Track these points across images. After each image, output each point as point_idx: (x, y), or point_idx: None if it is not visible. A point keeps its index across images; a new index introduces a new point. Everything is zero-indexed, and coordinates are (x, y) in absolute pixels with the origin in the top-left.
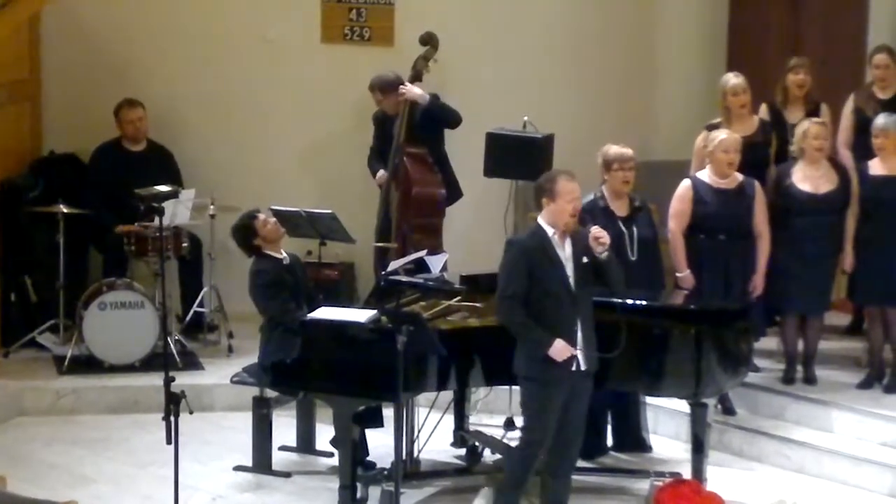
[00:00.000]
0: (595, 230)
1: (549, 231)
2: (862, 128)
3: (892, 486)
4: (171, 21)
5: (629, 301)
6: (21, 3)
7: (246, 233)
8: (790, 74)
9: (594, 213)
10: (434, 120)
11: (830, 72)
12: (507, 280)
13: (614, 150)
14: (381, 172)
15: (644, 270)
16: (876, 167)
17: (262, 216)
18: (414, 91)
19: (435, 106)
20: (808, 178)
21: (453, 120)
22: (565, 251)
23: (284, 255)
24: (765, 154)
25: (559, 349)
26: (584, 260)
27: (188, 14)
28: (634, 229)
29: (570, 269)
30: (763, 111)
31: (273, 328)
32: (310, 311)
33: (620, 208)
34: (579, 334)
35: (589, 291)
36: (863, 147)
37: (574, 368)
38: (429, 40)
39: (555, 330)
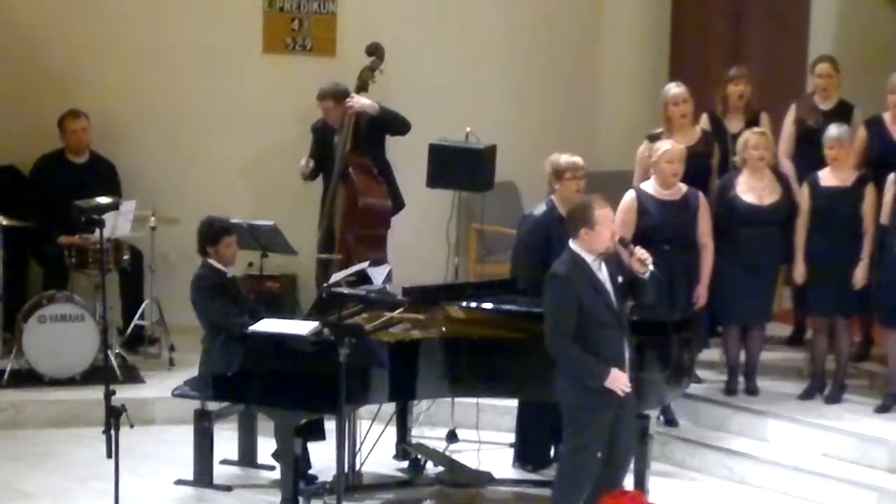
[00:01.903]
0: (639, 252)
1: (589, 258)
2: (804, 138)
3: (832, 498)
4: (112, 30)
5: None
6: None
7: (210, 237)
8: (730, 85)
9: (550, 223)
10: (382, 129)
11: (771, 81)
12: (558, 314)
13: (565, 159)
14: (304, 160)
15: None
16: (827, 178)
17: (232, 238)
18: (363, 101)
19: (386, 113)
20: (751, 189)
21: (403, 126)
22: (603, 274)
23: (228, 271)
24: (707, 164)
25: (616, 378)
26: (620, 279)
27: (130, 23)
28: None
29: (611, 293)
30: (703, 121)
31: (214, 338)
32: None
33: None
34: (626, 356)
35: (625, 313)
36: (805, 157)
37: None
38: (375, 51)
39: (607, 356)
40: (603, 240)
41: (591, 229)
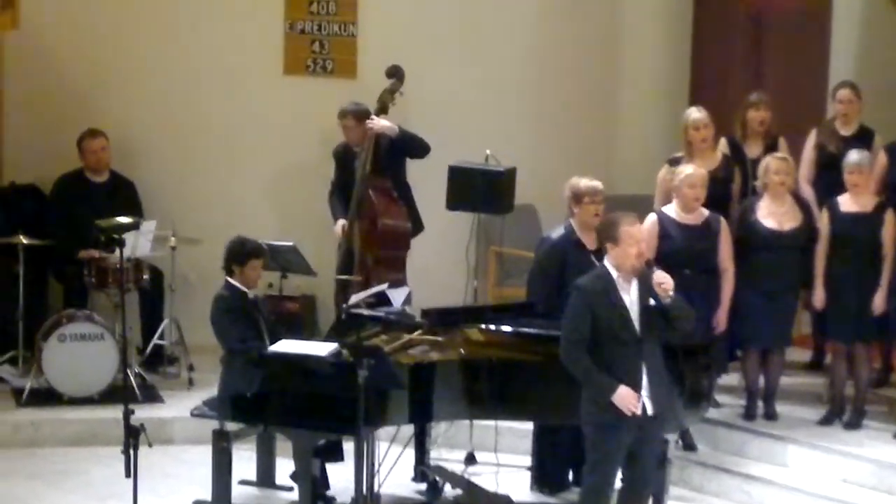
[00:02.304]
0: (658, 275)
1: (614, 274)
2: (824, 163)
3: None
4: (134, 52)
5: None
6: None
7: (239, 256)
8: (751, 110)
9: (566, 247)
10: (402, 151)
11: (792, 107)
12: (571, 324)
13: (585, 183)
14: (340, 223)
15: None
16: (847, 204)
17: (260, 262)
18: (382, 123)
19: (406, 135)
20: (772, 215)
21: (423, 149)
22: (630, 295)
23: (251, 293)
24: (728, 189)
25: (623, 395)
26: (652, 303)
27: (152, 44)
28: (583, 279)
29: (635, 313)
30: (723, 145)
31: (233, 359)
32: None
33: (591, 241)
34: (645, 379)
35: (657, 336)
36: (825, 183)
37: (640, 413)
38: (395, 73)
39: (620, 375)
40: (627, 257)
41: (615, 245)
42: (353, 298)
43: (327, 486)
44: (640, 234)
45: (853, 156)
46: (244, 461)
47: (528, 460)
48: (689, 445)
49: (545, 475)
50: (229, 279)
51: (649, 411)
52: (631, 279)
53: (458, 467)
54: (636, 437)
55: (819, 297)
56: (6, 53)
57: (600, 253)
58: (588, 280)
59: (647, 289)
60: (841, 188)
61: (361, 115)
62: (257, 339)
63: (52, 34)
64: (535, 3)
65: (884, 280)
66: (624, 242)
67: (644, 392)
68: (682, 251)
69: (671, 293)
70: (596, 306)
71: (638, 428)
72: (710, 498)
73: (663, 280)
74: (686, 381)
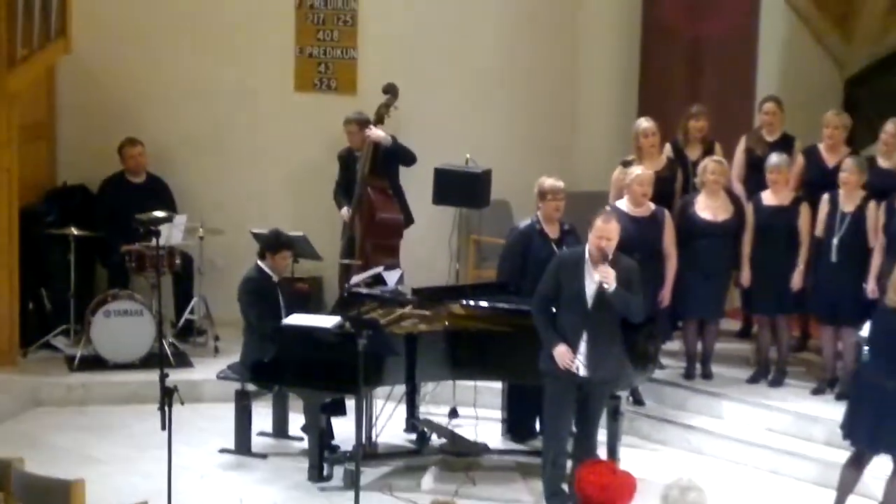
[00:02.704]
0: (601, 269)
1: (587, 256)
2: (752, 164)
3: (774, 465)
4: (168, 71)
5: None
6: (40, 56)
7: (273, 246)
8: (691, 120)
9: (532, 235)
10: (394, 158)
11: (725, 116)
12: (541, 283)
13: (548, 182)
14: (345, 209)
15: None
16: (768, 199)
17: (289, 253)
18: (378, 133)
19: (398, 147)
20: (708, 208)
21: (411, 159)
22: (593, 277)
23: (275, 276)
24: (671, 187)
25: (559, 352)
26: (606, 288)
27: (184, 65)
28: (564, 249)
29: (591, 291)
30: (667, 150)
31: (252, 332)
32: None
33: (553, 231)
34: (583, 346)
35: (607, 315)
36: (754, 181)
37: (576, 373)
38: (390, 90)
39: (564, 336)
40: (592, 245)
41: (589, 232)
42: (354, 279)
43: (332, 437)
44: (607, 230)
45: (773, 159)
46: (262, 416)
47: (501, 413)
48: (638, 401)
49: (515, 426)
50: (260, 263)
51: (582, 373)
52: (600, 263)
53: (442, 420)
54: (580, 395)
55: (746, 276)
56: (60, 74)
57: (560, 241)
58: (568, 253)
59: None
60: (766, 186)
61: (363, 122)
62: (275, 318)
63: (98, 58)
64: (508, 31)
65: (800, 262)
66: (592, 233)
67: (581, 357)
68: (632, 239)
69: (613, 285)
70: (563, 275)
71: (578, 387)
72: (657, 445)
73: (605, 274)
74: (636, 347)
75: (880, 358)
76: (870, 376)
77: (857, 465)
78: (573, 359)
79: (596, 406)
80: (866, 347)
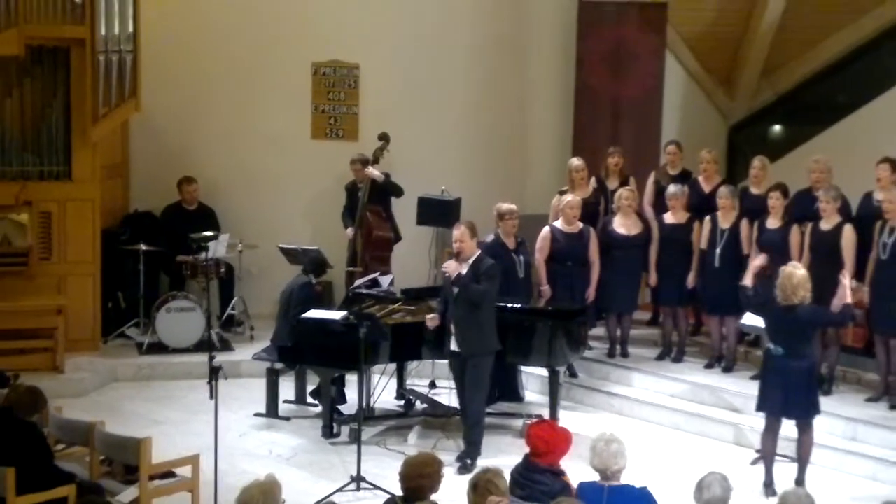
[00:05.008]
0: (445, 264)
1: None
2: (659, 192)
3: (675, 423)
4: (215, 123)
5: (509, 305)
6: (117, 113)
7: (319, 269)
8: (610, 158)
9: (496, 247)
10: (387, 191)
11: (638, 156)
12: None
13: (506, 206)
14: (350, 229)
15: (527, 285)
16: (669, 218)
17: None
18: (374, 172)
19: (388, 184)
20: (623, 225)
21: (399, 193)
22: (462, 270)
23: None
24: (596, 210)
25: (428, 317)
26: (447, 275)
27: (227, 119)
28: (521, 257)
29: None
30: (593, 182)
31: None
32: None
33: (511, 244)
34: (453, 326)
35: (462, 300)
36: (660, 205)
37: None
38: (384, 137)
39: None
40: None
41: None
42: (357, 283)
43: (344, 401)
44: (455, 236)
45: (671, 189)
46: (286, 387)
47: None
48: (573, 374)
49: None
50: (308, 277)
51: (453, 347)
52: (462, 263)
53: (424, 390)
54: (460, 366)
55: (653, 278)
56: (132, 126)
57: (517, 251)
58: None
59: (471, 272)
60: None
61: (364, 161)
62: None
63: (161, 113)
64: (474, 94)
65: (693, 266)
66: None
67: (452, 334)
68: (565, 250)
69: (449, 274)
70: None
71: (453, 357)
72: (587, 407)
73: (446, 266)
74: (572, 333)
75: (781, 344)
76: (774, 359)
77: (771, 432)
78: (434, 321)
79: (470, 377)
80: (770, 344)
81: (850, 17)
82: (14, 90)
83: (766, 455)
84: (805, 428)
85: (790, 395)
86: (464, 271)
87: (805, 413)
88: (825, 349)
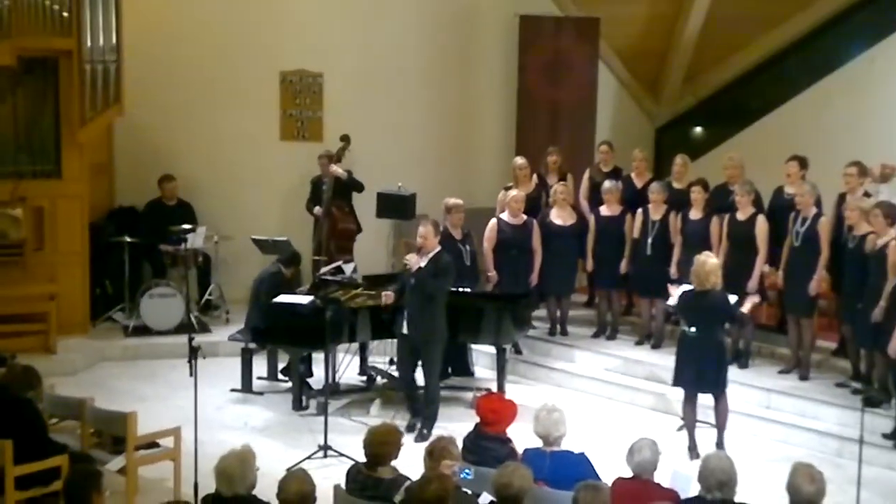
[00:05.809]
0: (406, 257)
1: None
2: (593, 188)
3: (609, 394)
4: (193, 125)
5: (461, 290)
6: (102, 117)
7: (292, 262)
8: (549, 157)
9: (444, 239)
10: (349, 187)
11: (575, 155)
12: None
13: (452, 201)
14: (317, 209)
15: (474, 272)
16: (605, 211)
17: (299, 266)
18: (338, 170)
19: (350, 180)
20: (559, 216)
21: (360, 188)
22: (421, 263)
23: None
24: (538, 203)
25: (384, 294)
26: (408, 267)
27: (204, 121)
28: (467, 247)
29: (417, 271)
30: (535, 178)
31: (254, 306)
32: None
33: (458, 235)
34: (407, 310)
35: (419, 291)
36: (594, 199)
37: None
38: (345, 138)
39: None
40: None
41: None
42: (322, 270)
43: (311, 375)
44: (420, 233)
45: (606, 184)
46: (259, 365)
47: None
48: (518, 351)
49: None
50: (280, 266)
51: (404, 330)
52: (422, 256)
53: (384, 367)
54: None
55: (590, 264)
56: (116, 129)
57: (463, 241)
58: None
59: (431, 265)
60: (603, 202)
61: (330, 157)
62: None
63: (143, 116)
64: (427, 99)
65: (626, 253)
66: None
67: (405, 318)
68: (510, 240)
69: (410, 266)
70: None
71: (402, 338)
72: (531, 381)
73: (407, 259)
74: (517, 313)
75: (694, 325)
76: (688, 339)
77: (690, 403)
78: (389, 297)
79: (423, 356)
80: (687, 326)
81: (760, 31)
82: (8, 97)
83: (689, 423)
84: (720, 398)
85: (702, 372)
86: (423, 264)
87: (715, 387)
88: (742, 327)
